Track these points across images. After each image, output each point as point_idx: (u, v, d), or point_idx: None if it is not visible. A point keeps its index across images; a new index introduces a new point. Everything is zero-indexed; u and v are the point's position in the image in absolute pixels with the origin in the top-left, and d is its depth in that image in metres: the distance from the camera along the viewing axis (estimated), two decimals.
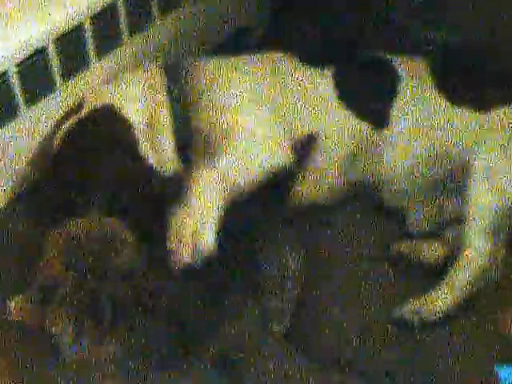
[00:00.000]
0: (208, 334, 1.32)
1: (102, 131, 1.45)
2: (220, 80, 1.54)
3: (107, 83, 1.58)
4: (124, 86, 1.53)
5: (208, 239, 1.32)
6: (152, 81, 1.54)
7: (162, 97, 1.52)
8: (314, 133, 1.52)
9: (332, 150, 1.54)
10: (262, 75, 1.56)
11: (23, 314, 1.28)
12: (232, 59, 1.59)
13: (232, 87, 1.53)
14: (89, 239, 1.28)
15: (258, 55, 1.61)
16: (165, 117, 1.51)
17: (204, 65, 1.57)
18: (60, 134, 1.47)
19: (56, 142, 1.47)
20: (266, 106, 1.52)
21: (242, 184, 1.41)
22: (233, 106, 1.50)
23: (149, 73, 1.55)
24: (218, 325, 1.32)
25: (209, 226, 1.33)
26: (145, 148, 1.46)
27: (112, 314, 1.25)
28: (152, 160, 1.46)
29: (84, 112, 1.49)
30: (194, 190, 1.37)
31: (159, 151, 1.50)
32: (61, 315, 1.26)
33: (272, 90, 1.54)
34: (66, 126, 1.47)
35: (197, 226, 1.33)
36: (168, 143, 1.50)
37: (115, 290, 1.25)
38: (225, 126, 1.48)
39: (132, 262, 1.28)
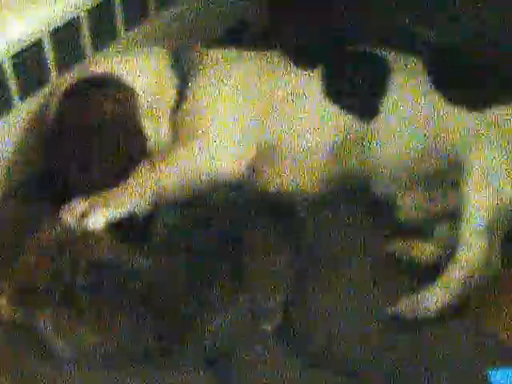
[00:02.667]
0: (194, 331, 1.32)
1: (103, 94, 1.45)
2: (212, 72, 1.54)
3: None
4: (129, 59, 1.53)
5: (94, 222, 1.36)
6: (157, 59, 1.54)
7: (165, 75, 1.53)
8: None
9: (315, 144, 1.54)
10: (252, 74, 1.55)
11: (10, 314, 1.30)
12: (230, 53, 1.59)
13: (220, 82, 1.53)
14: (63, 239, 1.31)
15: (253, 52, 1.60)
16: (167, 94, 1.52)
17: (205, 53, 1.58)
18: (57, 96, 1.47)
19: (53, 104, 1.47)
20: (246, 106, 1.52)
21: (176, 191, 1.44)
22: (212, 103, 1.51)
23: (154, 52, 1.56)
24: (202, 322, 1.32)
25: (104, 214, 1.37)
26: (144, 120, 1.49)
27: (88, 302, 1.26)
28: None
29: (85, 75, 1.48)
30: (125, 182, 1.42)
31: (157, 127, 1.51)
32: (40, 310, 1.28)
33: (258, 90, 1.54)
34: (62, 88, 1.47)
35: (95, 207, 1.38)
36: (165, 120, 1.52)
37: (90, 279, 1.27)
38: (196, 121, 1.49)
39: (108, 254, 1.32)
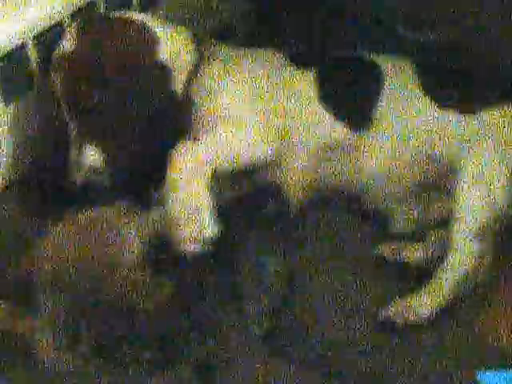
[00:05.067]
0: (185, 338, 1.31)
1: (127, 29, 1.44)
2: (223, 63, 1.54)
3: None
4: (158, 20, 1.52)
5: (209, 224, 1.35)
6: (182, 31, 1.54)
7: (187, 45, 1.52)
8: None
9: (304, 151, 1.53)
10: (257, 71, 1.55)
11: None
12: (238, 51, 1.60)
13: (231, 76, 1.53)
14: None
15: (256, 51, 1.61)
16: (185, 61, 1.50)
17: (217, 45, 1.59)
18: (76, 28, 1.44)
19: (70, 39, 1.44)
20: (256, 100, 1.51)
21: (222, 169, 1.43)
22: (226, 92, 1.50)
23: (180, 26, 1.56)
24: (194, 330, 1.31)
25: (206, 210, 1.36)
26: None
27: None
28: None
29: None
30: (178, 175, 1.38)
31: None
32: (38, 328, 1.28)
33: (263, 87, 1.53)
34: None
35: (194, 215, 1.35)
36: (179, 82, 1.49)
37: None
38: (214, 109, 1.48)
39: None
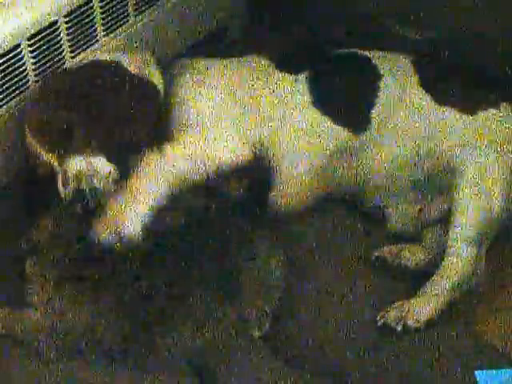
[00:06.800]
0: (183, 336, 1.31)
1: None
2: (197, 79, 1.54)
3: None
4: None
5: (131, 224, 1.32)
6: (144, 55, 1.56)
7: (152, 68, 1.53)
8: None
9: (305, 157, 1.52)
10: (237, 78, 1.55)
11: None
12: (212, 62, 1.59)
13: (206, 88, 1.53)
14: None
15: (236, 59, 1.60)
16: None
17: (189, 63, 1.59)
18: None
19: None
20: (235, 108, 1.51)
21: (190, 175, 1.41)
22: (202, 102, 1.50)
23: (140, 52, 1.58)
24: (192, 329, 1.31)
25: (137, 212, 1.34)
26: None
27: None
28: None
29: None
30: (138, 174, 1.37)
31: None
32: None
33: (245, 94, 1.53)
34: None
35: (125, 210, 1.33)
36: None
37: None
38: (188, 116, 1.48)
39: None
